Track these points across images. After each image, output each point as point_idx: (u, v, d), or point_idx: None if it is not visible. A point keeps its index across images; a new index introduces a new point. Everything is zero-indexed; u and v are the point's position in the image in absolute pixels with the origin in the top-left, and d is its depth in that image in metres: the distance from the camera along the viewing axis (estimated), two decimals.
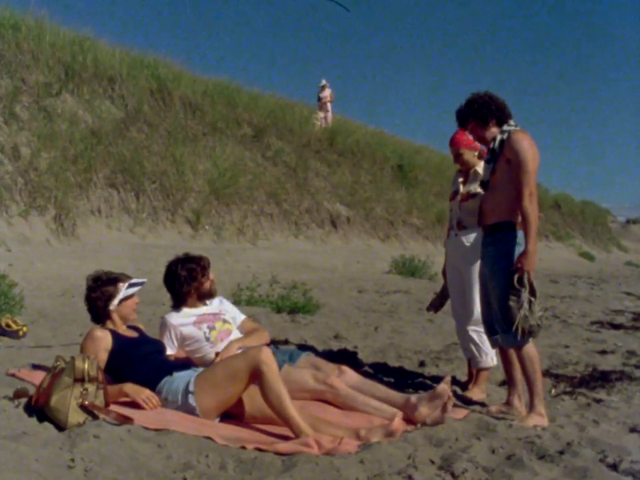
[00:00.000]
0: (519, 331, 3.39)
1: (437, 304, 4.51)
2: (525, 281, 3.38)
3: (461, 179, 4.22)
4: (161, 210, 12.09)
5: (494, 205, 3.61)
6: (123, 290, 3.54)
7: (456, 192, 4.21)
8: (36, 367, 3.78)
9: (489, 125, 3.62)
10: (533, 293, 3.39)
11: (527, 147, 3.45)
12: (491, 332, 3.69)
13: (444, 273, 4.41)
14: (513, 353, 3.62)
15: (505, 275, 3.46)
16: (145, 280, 3.74)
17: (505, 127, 3.58)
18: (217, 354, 3.64)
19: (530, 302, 3.37)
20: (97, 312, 3.53)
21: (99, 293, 3.50)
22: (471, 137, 4.00)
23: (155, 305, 6.39)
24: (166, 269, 3.93)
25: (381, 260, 13.63)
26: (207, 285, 3.88)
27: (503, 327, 3.51)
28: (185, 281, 3.82)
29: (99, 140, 11.70)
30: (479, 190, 3.94)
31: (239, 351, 3.52)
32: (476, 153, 4.13)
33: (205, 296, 3.89)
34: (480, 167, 4.09)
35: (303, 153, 17.19)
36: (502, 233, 3.55)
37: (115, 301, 3.51)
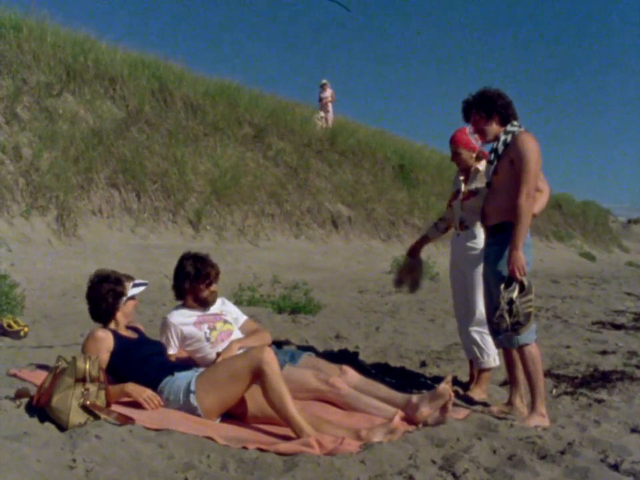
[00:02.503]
0: (502, 327, 3.44)
1: (401, 280, 4.51)
2: (514, 282, 3.40)
3: (462, 178, 4.22)
4: (162, 210, 12.10)
5: (496, 206, 3.61)
6: (130, 289, 3.55)
7: (458, 191, 4.21)
8: (37, 367, 3.78)
9: (491, 120, 3.62)
10: (522, 289, 3.39)
11: (532, 148, 3.46)
12: (495, 332, 3.68)
13: (411, 252, 4.47)
14: (516, 354, 3.62)
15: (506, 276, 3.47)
16: (147, 282, 3.76)
17: (509, 128, 3.58)
18: (219, 354, 3.64)
19: (510, 301, 3.37)
20: (103, 310, 3.52)
21: (109, 291, 3.49)
22: (471, 138, 4.03)
23: (155, 304, 6.40)
24: (179, 258, 3.92)
25: (382, 260, 13.64)
26: (204, 293, 3.84)
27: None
28: (187, 277, 3.81)
29: (100, 140, 11.70)
30: (480, 187, 3.95)
31: (240, 351, 3.52)
32: (474, 154, 4.13)
33: (200, 301, 3.85)
34: (481, 165, 4.10)
35: (304, 153, 17.19)
36: (504, 233, 3.54)
37: (123, 299, 3.52)
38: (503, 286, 3.42)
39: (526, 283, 3.40)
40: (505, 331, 3.46)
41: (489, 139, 3.69)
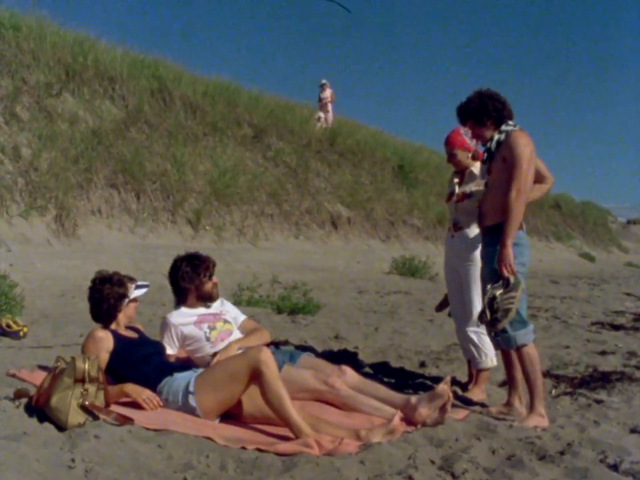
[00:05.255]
0: (484, 322, 3.47)
1: (444, 304, 4.52)
2: (502, 278, 3.41)
3: (456, 180, 4.22)
4: (162, 210, 12.09)
5: (492, 206, 3.61)
6: (133, 291, 3.56)
7: (452, 193, 4.21)
8: (36, 367, 3.77)
9: (485, 125, 3.64)
10: (507, 285, 3.39)
11: (524, 145, 3.46)
12: (492, 333, 3.68)
13: None
14: (514, 354, 3.62)
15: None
16: (149, 284, 3.80)
17: (503, 127, 3.59)
18: (215, 354, 3.64)
19: (493, 297, 3.38)
20: (105, 311, 3.52)
21: (111, 292, 3.50)
22: (466, 138, 4.04)
23: (155, 305, 6.40)
24: (172, 262, 3.94)
25: (382, 260, 13.63)
26: (208, 286, 3.86)
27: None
28: (186, 277, 3.81)
29: (99, 140, 11.70)
30: (474, 189, 3.96)
31: (239, 351, 3.52)
32: (469, 154, 4.13)
33: (205, 297, 3.87)
34: (476, 167, 4.10)
35: (304, 153, 17.19)
36: (501, 233, 3.54)
37: (125, 301, 3.53)
38: (491, 283, 3.43)
39: (512, 281, 3.40)
40: (487, 325, 3.48)
41: (486, 141, 3.71)
